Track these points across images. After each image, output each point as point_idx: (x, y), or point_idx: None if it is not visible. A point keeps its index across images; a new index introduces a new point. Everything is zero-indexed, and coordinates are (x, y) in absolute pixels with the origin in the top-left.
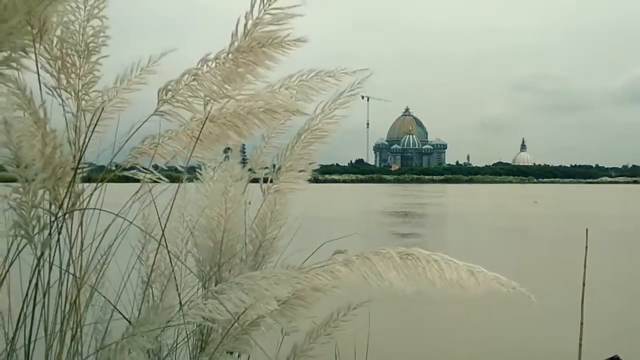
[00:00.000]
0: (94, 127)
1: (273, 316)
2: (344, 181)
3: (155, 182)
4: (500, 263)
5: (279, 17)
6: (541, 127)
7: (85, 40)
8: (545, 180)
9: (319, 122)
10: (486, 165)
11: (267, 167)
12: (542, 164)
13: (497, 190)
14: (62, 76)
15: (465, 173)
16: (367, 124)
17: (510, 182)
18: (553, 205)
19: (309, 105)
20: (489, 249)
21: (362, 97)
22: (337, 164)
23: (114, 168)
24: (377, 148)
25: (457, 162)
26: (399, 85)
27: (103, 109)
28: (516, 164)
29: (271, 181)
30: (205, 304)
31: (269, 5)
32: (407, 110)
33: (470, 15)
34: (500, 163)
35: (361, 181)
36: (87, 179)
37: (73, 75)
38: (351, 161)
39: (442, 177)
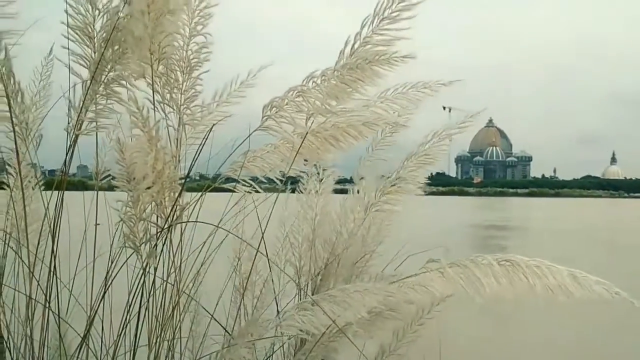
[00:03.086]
0: (203, 141)
1: (363, 326)
2: (424, 193)
3: (256, 192)
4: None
5: (388, 38)
6: (634, 140)
7: (189, 57)
8: (637, 194)
9: (429, 148)
10: (574, 179)
11: (362, 178)
12: (633, 178)
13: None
14: (166, 91)
15: (551, 186)
16: (450, 139)
17: (599, 196)
18: None
19: (407, 117)
20: (591, 262)
21: (444, 108)
22: None
23: (213, 179)
24: (459, 160)
25: (542, 175)
26: (483, 95)
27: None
28: (606, 177)
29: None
30: (300, 315)
31: (378, 25)
32: (490, 121)
33: (564, 26)
34: (588, 176)
35: (442, 194)
36: (188, 189)
37: (175, 90)
38: (432, 173)
39: (526, 190)
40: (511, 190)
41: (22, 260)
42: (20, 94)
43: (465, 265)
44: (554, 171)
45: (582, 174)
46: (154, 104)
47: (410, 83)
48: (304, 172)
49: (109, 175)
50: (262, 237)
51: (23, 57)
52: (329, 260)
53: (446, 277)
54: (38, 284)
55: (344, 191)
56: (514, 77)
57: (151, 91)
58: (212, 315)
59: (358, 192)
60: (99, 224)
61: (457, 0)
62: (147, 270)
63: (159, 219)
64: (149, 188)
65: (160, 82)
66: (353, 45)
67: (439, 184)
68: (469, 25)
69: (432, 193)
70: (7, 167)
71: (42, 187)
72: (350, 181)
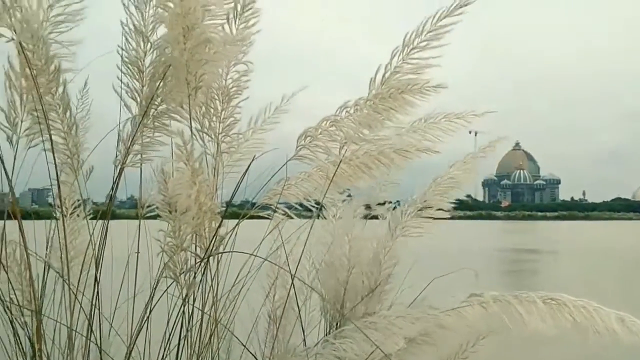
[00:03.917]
0: (246, 170)
1: (399, 354)
2: (452, 217)
3: (289, 217)
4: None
5: (418, 67)
6: None
7: (228, 85)
8: None
9: (454, 170)
10: (603, 201)
11: (385, 203)
12: None
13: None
14: (206, 120)
15: (580, 209)
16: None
17: (630, 218)
18: None
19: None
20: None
21: (470, 132)
22: None
23: (249, 206)
24: (486, 183)
25: (571, 198)
26: (509, 117)
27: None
28: (636, 199)
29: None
30: (340, 343)
31: (408, 55)
32: (517, 144)
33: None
34: (618, 199)
35: (470, 218)
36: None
37: (214, 119)
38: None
39: (555, 213)
40: (540, 213)
41: (65, 290)
42: (75, 128)
43: (508, 301)
44: (583, 194)
45: (611, 196)
46: (191, 131)
47: (442, 113)
48: (332, 198)
49: (152, 205)
50: (298, 264)
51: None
52: (352, 283)
53: (489, 311)
54: (79, 315)
55: (372, 216)
56: (535, 97)
57: (192, 120)
58: (245, 346)
59: (378, 217)
60: (138, 252)
61: (473, 23)
62: (186, 300)
63: (199, 249)
64: (191, 219)
65: (200, 111)
66: (384, 74)
67: (467, 207)
68: (486, 46)
69: (460, 217)
70: (54, 198)
71: (90, 216)
72: (375, 205)
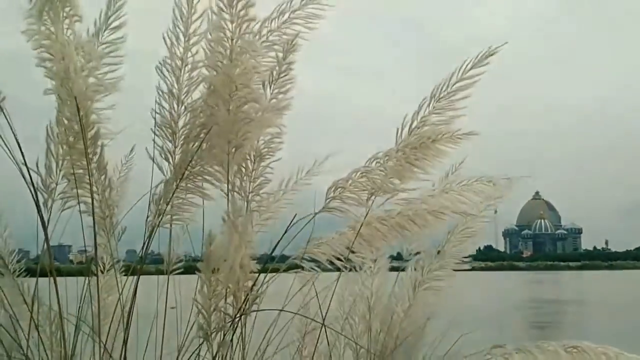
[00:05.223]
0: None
1: None
2: (473, 268)
3: (322, 270)
4: None
5: (447, 116)
6: None
7: (259, 146)
8: None
9: (470, 221)
10: (627, 250)
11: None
12: None
13: None
14: (237, 179)
15: (603, 259)
16: (495, 210)
17: None
18: None
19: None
20: None
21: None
22: None
23: (280, 259)
24: (507, 233)
25: (594, 248)
26: (528, 166)
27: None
28: None
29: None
30: None
31: (435, 104)
32: (537, 193)
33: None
34: None
35: (490, 268)
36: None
37: (245, 178)
38: (479, 247)
39: (578, 263)
40: (562, 263)
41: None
42: (109, 190)
43: (530, 351)
44: (606, 243)
45: (635, 244)
46: (227, 192)
47: (475, 176)
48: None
49: (181, 260)
50: (326, 314)
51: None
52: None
53: None
54: None
55: (396, 268)
56: (551, 146)
57: (224, 179)
58: None
59: (403, 269)
60: (173, 308)
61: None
62: (216, 359)
63: (232, 308)
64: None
65: (231, 171)
66: (410, 124)
67: (488, 258)
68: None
69: (482, 268)
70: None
71: (123, 272)
72: (400, 257)
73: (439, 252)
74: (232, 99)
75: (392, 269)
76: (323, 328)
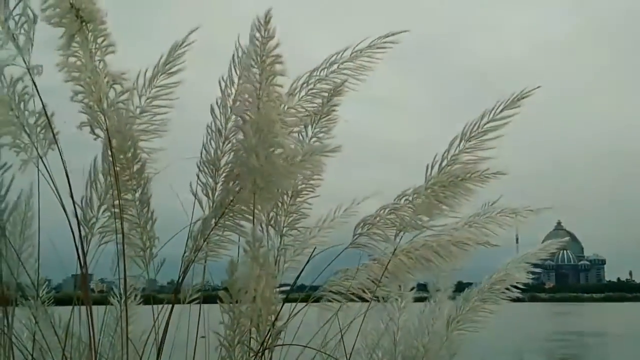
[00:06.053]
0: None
1: None
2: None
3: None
4: None
5: (476, 155)
6: None
7: (297, 184)
8: None
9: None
10: None
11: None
12: None
13: None
14: (272, 213)
15: (628, 290)
16: (517, 238)
17: None
18: None
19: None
20: None
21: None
22: None
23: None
24: None
25: (618, 279)
26: (550, 196)
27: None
28: None
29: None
30: None
31: (466, 144)
32: (559, 224)
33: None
34: None
35: (512, 299)
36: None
37: (281, 212)
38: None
39: (602, 295)
40: (586, 295)
41: None
42: (152, 223)
43: None
44: (630, 274)
45: None
46: (262, 229)
47: (499, 208)
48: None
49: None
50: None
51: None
52: None
53: None
54: None
55: (421, 299)
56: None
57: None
58: None
59: (433, 301)
60: (203, 337)
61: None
62: None
63: (254, 341)
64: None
65: (264, 210)
66: (441, 163)
67: (522, 297)
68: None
69: (503, 299)
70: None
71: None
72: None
73: (472, 288)
74: (260, 147)
75: (416, 299)
76: None
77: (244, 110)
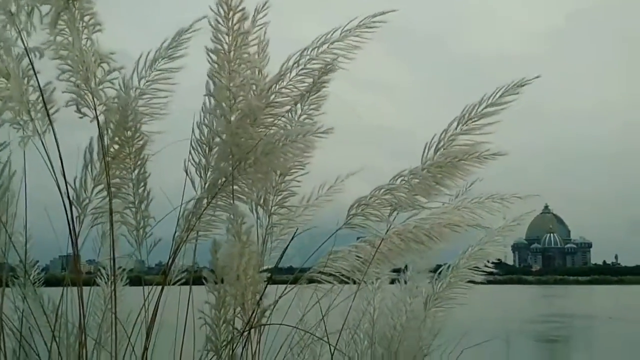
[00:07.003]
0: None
1: None
2: (480, 282)
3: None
4: None
5: (475, 135)
6: None
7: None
8: None
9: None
10: (637, 265)
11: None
12: None
13: None
14: (261, 193)
15: (613, 273)
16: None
17: None
18: None
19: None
20: None
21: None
22: None
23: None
24: (516, 247)
25: (604, 262)
26: (538, 181)
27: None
28: None
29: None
30: None
31: (465, 123)
32: (546, 207)
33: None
34: None
35: (500, 282)
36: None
37: (270, 191)
38: (488, 260)
39: (588, 278)
40: (571, 277)
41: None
42: (147, 203)
43: None
44: (616, 257)
45: None
46: (252, 209)
47: (487, 194)
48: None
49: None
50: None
51: None
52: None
53: None
54: None
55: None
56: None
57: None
58: None
59: (406, 282)
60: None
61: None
62: None
63: (240, 321)
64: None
65: (256, 187)
66: (437, 144)
67: (496, 272)
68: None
69: (490, 282)
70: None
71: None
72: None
73: (448, 267)
74: (231, 111)
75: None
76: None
77: (214, 74)
